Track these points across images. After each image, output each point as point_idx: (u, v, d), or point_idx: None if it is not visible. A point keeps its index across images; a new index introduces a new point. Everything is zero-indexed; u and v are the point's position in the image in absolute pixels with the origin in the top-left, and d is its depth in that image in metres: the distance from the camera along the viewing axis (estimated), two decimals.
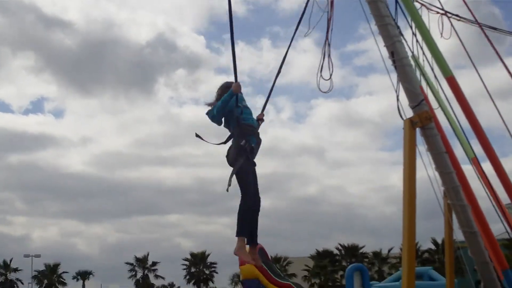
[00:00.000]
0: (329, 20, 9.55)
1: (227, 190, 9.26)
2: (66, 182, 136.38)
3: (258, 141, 9.58)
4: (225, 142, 9.59)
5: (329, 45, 9.56)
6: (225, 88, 9.47)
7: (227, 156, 9.49)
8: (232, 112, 9.33)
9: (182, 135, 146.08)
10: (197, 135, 9.60)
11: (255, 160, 9.61)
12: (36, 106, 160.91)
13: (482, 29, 11.37)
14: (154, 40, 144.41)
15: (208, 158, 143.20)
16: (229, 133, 9.58)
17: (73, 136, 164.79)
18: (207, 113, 9.55)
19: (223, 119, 9.55)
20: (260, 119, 9.98)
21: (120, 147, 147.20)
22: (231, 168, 9.31)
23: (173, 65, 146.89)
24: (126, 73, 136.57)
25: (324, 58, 9.53)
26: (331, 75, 9.47)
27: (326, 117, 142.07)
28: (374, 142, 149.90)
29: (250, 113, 9.63)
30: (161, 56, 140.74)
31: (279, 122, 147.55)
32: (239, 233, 9.22)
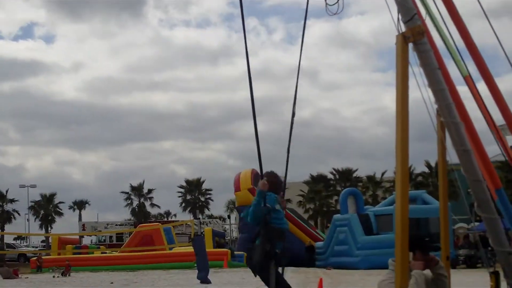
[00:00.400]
0: None
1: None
2: (59, 109, 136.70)
3: (284, 248, 9.10)
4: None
5: None
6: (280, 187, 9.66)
7: (249, 259, 9.23)
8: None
9: (173, 58, 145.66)
10: None
11: None
12: (26, 32, 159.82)
13: None
14: None
15: (199, 83, 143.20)
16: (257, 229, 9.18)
17: (64, 62, 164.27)
18: (243, 216, 9.41)
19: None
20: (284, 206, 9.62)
21: (112, 72, 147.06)
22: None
23: None
24: None
25: None
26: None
27: (318, 38, 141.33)
28: (367, 63, 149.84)
29: (282, 217, 9.25)
30: None
31: (272, 44, 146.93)
32: None
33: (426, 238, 8.11)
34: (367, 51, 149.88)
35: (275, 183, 9.56)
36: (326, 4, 9.13)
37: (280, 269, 9.18)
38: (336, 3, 9.11)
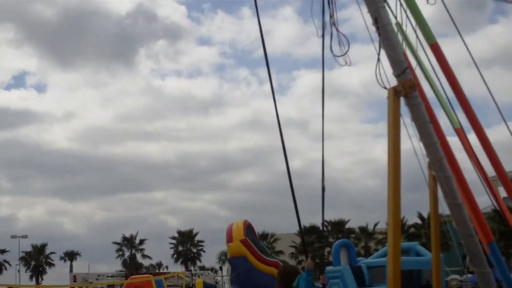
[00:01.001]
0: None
1: None
2: (50, 158, 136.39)
3: None
4: None
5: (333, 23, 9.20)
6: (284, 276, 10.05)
7: None
8: None
9: (165, 108, 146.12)
10: None
11: None
12: (18, 81, 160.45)
13: None
14: (134, 11, 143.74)
15: (190, 133, 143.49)
16: None
17: (56, 111, 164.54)
18: None
19: None
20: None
21: (104, 121, 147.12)
22: None
23: (154, 36, 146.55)
24: (107, 45, 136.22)
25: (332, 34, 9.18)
26: (346, 52, 9.09)
27: (308, 88, 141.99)
28: (357, 114, 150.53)
29: None
30: (142, 27, 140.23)
31: (262, 94, 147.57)
32: None
33: None
34: (357, 101, 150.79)
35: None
36: (334, 55, 9.20)
37: None
38: (343, 55, 9.12)
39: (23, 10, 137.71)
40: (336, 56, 9.14)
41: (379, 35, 8.34)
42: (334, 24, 9.20)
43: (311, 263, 9.68)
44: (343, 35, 9.04)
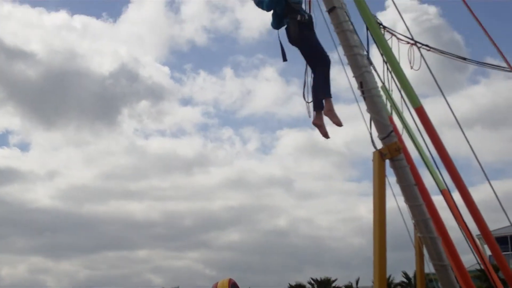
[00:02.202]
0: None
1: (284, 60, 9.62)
2: (33, 217, 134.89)
3: (309, 15, 9.69)
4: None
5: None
6: None
7: (289, 37, 9.56)
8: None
9: (149, 168, 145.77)
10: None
11: None
12: (1, 140, 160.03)
13: (458, 59, 11.41)
14: (117, 71, 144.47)
15: (175, 191, 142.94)
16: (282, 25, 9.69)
17: (39, 170, 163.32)
18: (256, 3, 9.80)
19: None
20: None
21: (87, 180, 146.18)
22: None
23: (136, 96, 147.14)
24: (89, 105, 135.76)
25: (305, 87, 9.58)
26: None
27: (292, 147, 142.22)
28: (341, 173, 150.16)
29: None
30: (124, 87, 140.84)
31: (246, 153, 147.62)
32: (328, 94, 9.39)
33: None
34: (340, 160, 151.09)
35: None
36: (306, 101, 9.55)
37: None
38: (310, 102, 9.59)
39: (5, 70, 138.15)
40: (307, 102, 9.64)
41: (365, 98, 8.47)
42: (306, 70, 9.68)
43: None
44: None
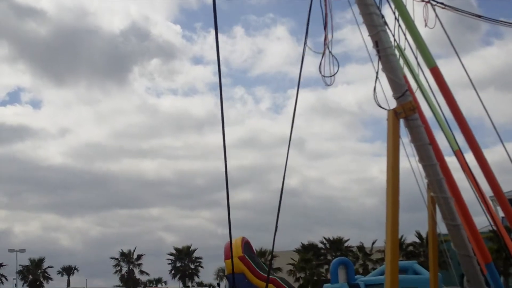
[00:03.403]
0: (326, 17, 9.35)
1: None
2: (45, 174, 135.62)
3: None
4: None
5: (329, 43, 9.31)
6: None
7: None
8: None
9: (161, 126, 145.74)
10: None
11: None
12: (13, 97, 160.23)
13: (473, 17, 11.33)
14: (128, 29, 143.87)
15: (187, 151, 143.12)
16: None
17: (51, 128, 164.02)
18: None
19: None
20: None
21: (99, 138, 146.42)
22: None
23: (147, 55, 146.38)
24: (100, 63, 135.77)
25: (324, 55, 9.30)
26: (335, 73, 9.21)
27: (303, 108, 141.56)
28: (353, 133, 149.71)
29: None
30: (135, 45, 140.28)
31: (258, 113, 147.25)
32: None
33: None
34: (352, 120, 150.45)
35: None
36: (322, 75, 9.30)
37: None
38: (332, 75, 9.24)
39: (16, 28, 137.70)
40: (325, 76, 9.27)
41: (380, 58, 8.43)
42: (327, 46, 9.34)
43: None
44: (334, 57, 9.18)
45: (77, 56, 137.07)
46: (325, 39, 9.39)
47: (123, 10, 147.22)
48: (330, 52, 9.23)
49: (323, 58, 9.28)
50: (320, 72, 9.26)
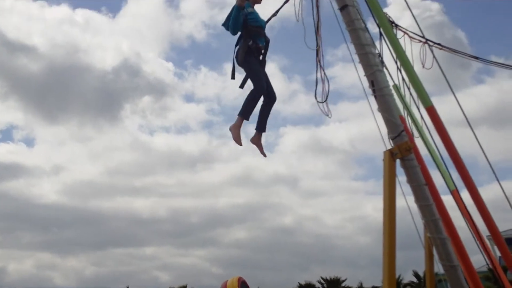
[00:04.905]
0: (318, 48, 9.41)
1: (241, 87, 9.78)
2: (39, 212, 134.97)
3: (267, 41, 9.75)
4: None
5: (322, 69, 9.41)
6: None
7: (236, 57, 9.74)
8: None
9: (154, 164, 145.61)
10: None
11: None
12: (6, 135, 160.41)
13: (470, 58, 11.37)
14: (119, 66, 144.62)
15: (181, 188, 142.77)
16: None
17: (44, 165, 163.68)
18: (223, 25, 9.82)
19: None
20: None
21: (92, 176, 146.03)
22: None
23: (139, 92, 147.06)
24: (92, 100, 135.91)
25: (317, 83, 9.37)
26: (326, 98, 9.27)
27: (295, 145, 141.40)
28: (346, 171, 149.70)
29: (257, 16, 9.79)
30: (126, 82, 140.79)
31: (251, 151, 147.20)
32: (241, 113, 9.55)
33: None
34: (345, 158, 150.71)
35: None
36: (317, 101, 9.33)
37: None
38: (324, 101, 9.29)
39: (7, 63, 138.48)
40: (319, 102, 9.32)
41: (376, 97, 8.43)
42: (320, 64, 9.42)
43: (240, 2, 9.49)
44: (325, 74, 9.27)
45: (68, 93, 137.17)
46: (317, 55, 9.55)
47: (114, 47, 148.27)
48: (324, 74, 9.32)
49: (317, 85, 9.38)
50: (316, 97, 9.37)
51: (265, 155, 9.83)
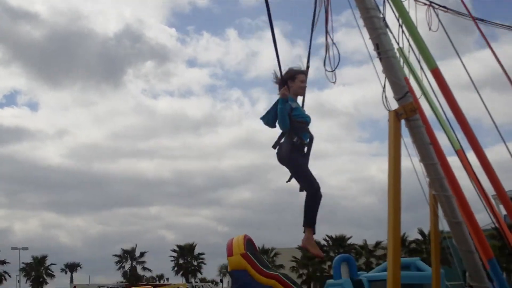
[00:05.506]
0: (327, 11, 9.43)
1: (287, 181, 9.30)
2: (44, 174, 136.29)
3: (311, 137, 9.36)
4: (275, 146, 9.42)
5: (331, 38, 9.36)
6: (287, 74, 9.40)
7: (278, 154, 9.32)
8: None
9: (158, 127, 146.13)
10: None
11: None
12: (10, 99, 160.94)
13: (475, 21, 11.44)
14: (122, 32, 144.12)
15: (185, 151, 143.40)
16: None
17: (48, 129, 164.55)
18: (262, 119, 9.45)
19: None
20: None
21: (96, 139, 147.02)
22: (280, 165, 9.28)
23: (141, 57, 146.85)
24: (94, 65, 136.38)
25: (327, 51, 9.33)
26: (336, 67, 9.27)
27: None
28: (350, 134, 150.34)
29: (302, 111, 9.41)
30: (128, 48, 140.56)
31: (255, 113, 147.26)
32: (306, 224, 9.03)
33: None
34: (349, 121, 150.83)
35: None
36: (326, 70, 9.38)
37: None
38: (333, 70, 9.31)
39: (10, 30, 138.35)
40: (328, 71, 9.33)
41: (381, 60, 8.55)
42: (328, 33, 9.41)
43: (285, 92, 9.07)
44: (335, 44, 9.23)
45: (71, 58, 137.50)
46: (326, 24, 9.43)
47: (116, 13, 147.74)
48: (333, 42, 9.27)
49: (327, 53, 9.34)
50: (324, 65, 9.36)
51: (322, 257, 9.39)
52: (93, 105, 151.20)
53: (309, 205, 9.01)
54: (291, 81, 9.36)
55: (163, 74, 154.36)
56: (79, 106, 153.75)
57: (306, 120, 9.34)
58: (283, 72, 9.38)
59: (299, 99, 9.56)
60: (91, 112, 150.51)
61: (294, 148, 9.12)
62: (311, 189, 9.08)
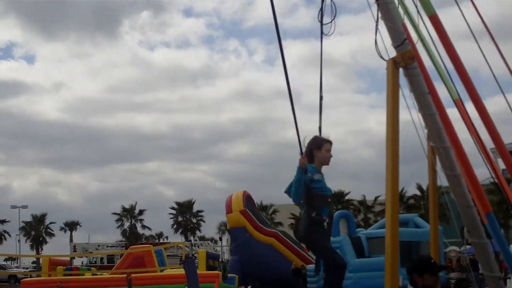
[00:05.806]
0: None
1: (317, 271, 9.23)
2: (41, 129, 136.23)
3: (330, 214, 8.87)
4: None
5: None
6: (314, 142, 8.98)
7: (295, 232, 9.03)
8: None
9: (155, 80, 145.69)
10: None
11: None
12: (6, 52, 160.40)
13: None
14: None
15: (183, 104, 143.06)
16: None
17: (45, 82, 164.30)
18: (286, 192, 8.88)
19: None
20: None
21: (93, 92, 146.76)
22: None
23: (137, 8, 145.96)
24: (88, 16, 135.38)
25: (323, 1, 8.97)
26: (333, 19, 8.86)
27: (296, 59, 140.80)
28: (348, 84, 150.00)
29: (323, 184, 8.90)
30: None
31: (253, 65, 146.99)
32: None
33: (432, 260, 7.85)
34: (346, 71, 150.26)
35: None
36: (322, 23, 9.02)
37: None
38: (330, 22, 8.91)
39: None
40: (324, 24, 8.90)
41: (378, 5, 8.29)
42: None
43: (303, 161, 8.55)
44: (333, 1, 8.85)
45: (65, 9, 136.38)
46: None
47: None
48: None
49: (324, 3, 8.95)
50: (319, 20, 8.99)
51: None
52: (88, 57, 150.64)
53: (333, 283, 8.73)
54: (316, 150, 8.92)
55: (159, 25, 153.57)
56: (75, 58, 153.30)
57: (327, 194, 8.89)
58: (310, 140, 8.98)
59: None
60: (87, 64, 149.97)
61: (313, 224, 8.58)
62: (337, 269, 8.70)
